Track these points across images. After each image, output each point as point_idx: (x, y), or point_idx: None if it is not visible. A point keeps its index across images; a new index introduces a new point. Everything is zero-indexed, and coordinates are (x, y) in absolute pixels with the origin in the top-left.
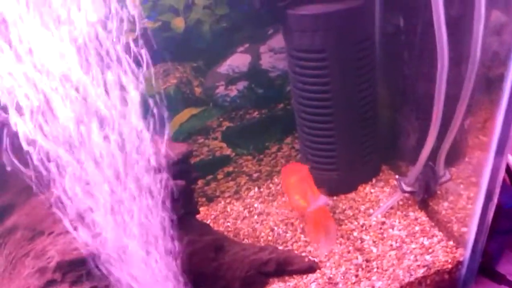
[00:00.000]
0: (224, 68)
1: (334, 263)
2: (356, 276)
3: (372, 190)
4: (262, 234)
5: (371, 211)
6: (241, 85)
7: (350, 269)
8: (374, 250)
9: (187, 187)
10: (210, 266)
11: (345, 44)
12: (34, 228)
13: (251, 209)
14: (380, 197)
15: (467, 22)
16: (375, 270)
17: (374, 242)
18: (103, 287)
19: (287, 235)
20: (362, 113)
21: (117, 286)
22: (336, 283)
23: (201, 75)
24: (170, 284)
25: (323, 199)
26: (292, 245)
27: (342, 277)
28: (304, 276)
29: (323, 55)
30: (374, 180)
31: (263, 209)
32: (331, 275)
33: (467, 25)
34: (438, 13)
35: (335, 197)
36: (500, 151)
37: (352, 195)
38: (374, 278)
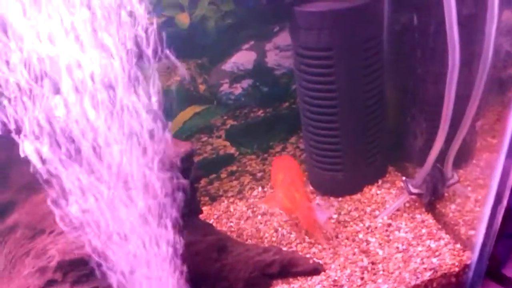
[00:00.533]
0: (229, 65)
1: (339, 265)
2: (362, 278)
3: (378, 192)
4: (266, 234)
5: (376, 212)
6: (246, 83)
7: (355, 271)
8: (380, 252)
9: (190, 186)
10: (213, 267)
11: (352, 43)
12: (35, 226)
13: (254, 209)
14: (386, 199)
15: (479, 21)
16: (381, 272)
17: (380, 244)
18: (105, 287)
19: (292, 236)
20: (368, 113)
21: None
22: (341, 286)
23: (206, 72)
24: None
25: (329, 212)
26: (296, 246)
27: (347, 280)
28: (309, 278)
29: (329, 53)
30: (380, 181)
31: (267, 209)
32: (336, 278)
33: (479, 24)
34: (450, 12)
35: (340, 198)
36: (511, 153)
37: (357, 196)
38: (380, 280)
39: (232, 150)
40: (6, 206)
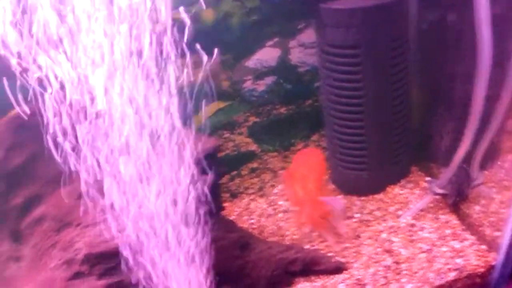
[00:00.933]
0: (252, 62)
1: (362, 264)
2: (385, 277)
3: (401, 191)
4: (287, 232)
5: (399, 212)
6: (269, 80)
7: (379, 270)
8: (404, 252)
9: (214, 182)
10: (235, 264)
11: (380, 40)
12: (62, 219)
13: (275, 206)
14: (409, 199)
15: (509, 19)
16: (404, 272)
17: (403, 244)
18: (131, 280)
19: (313, 234)
20: (394, 112)
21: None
22: (365, 285)
23: (229, 68)
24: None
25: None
26: (318, 244)
27: (371, 279)
28: (331, 277)
29: (356, 51)
30: (403, 181)
31: (288, 207)
32: (359, 276)
33: (509, 23)
34: (482, 9)
35: (362, 198)
36: None
37: (380, 195)
38: (403, 280)
39: (253, 147)
40: (33, 199)
